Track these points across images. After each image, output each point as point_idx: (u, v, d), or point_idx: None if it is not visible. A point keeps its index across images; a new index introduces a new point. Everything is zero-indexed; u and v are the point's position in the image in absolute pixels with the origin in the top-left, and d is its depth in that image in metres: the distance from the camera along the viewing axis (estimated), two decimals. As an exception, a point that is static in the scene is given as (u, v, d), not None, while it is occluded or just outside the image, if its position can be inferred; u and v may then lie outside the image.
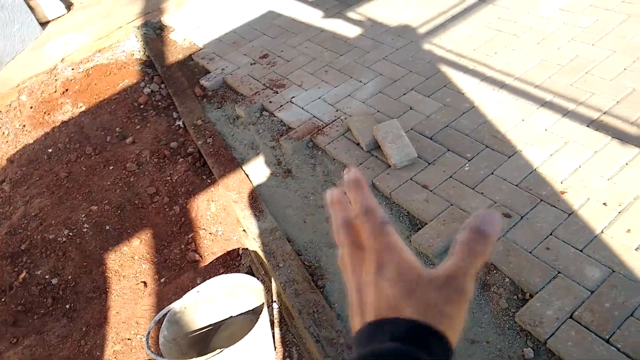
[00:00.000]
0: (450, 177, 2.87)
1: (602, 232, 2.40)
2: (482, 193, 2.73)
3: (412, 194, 2.82)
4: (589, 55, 3.48)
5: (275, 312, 2.66)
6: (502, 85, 3.42)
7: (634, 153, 2.72)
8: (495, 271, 2.39)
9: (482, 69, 3.61)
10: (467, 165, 2.91)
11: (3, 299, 3.04)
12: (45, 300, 3.01)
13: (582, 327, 2.08)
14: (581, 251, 2.34)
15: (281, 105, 3.69)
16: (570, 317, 2.13)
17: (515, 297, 2.30)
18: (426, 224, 2.67)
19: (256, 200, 3.09)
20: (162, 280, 2.99)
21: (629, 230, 2.36)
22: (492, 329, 2.22)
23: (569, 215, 2.51)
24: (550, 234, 2.45)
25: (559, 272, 2.28)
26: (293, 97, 3.76)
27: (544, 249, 2.39)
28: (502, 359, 2.12)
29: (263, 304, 2.28)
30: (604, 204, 2.51)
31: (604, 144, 2.82)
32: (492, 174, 2.82)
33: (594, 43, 3.58)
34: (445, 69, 3.70)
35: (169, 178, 3.52)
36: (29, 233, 3.35)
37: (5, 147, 4.27)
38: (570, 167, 2.73)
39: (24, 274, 3.13)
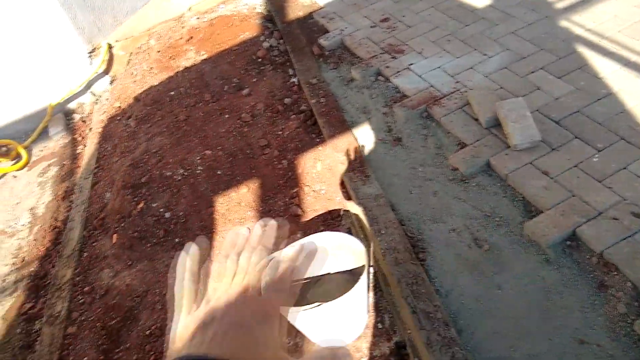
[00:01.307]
0: (576, 166, 2.66)
1: None
2: (610, 188, 2.51)
3: (531, 178, 2.66)
4: None
5: (371, 277, 2.67)
6: (648, 73, 3.08)
7: None
8: (615, 272, 2.21)
9: (626, 53, 3.27)
10: (596, 155, 2.68)
11: (123, 225, 3.32)
12: (158, 231, 3.24)
13: None
14: None
15: (398, 71, 3.60)
16: (701, 335, 1.93)
17: (637, 303, 2.12)
18: (542, 212, 2.51)
19: (363, 164, 3.08)
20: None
21: None
22: (605, 333, 2.07)
23: None
24: (688, 243, 2.21)
25: (693, 285, 2.06)
26: (411, 64, 3.65)
27: (677, 257, 2.17)
28: (613, 366, 1.98)
29: (363, 265, 2.28)
30: None
31: None
32: (625, 168, 2.58)
33: None
34: (582, 49, 3.40)
35: (280, 132, 3.60)
36: (149, 168, 3.60)
37: (134, 87, 4.59)
38: None
39: (142, 204, 3.38)
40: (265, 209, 3.21)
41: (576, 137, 2.81)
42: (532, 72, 3.31)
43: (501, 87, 3.25)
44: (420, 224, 2.72)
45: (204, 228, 3.21)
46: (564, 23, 3.68)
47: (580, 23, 3.62)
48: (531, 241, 2.45)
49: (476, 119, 3.05)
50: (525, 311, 2.22)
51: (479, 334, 2.20)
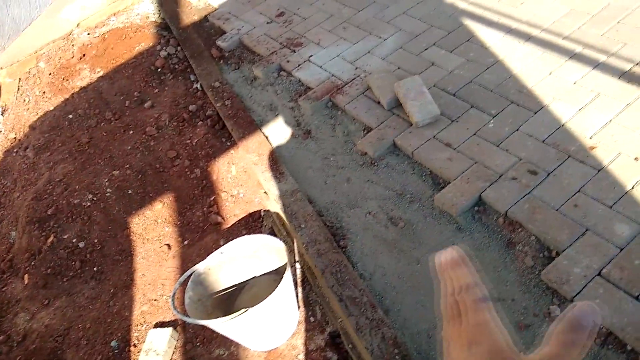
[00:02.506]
0: (475, 134, 2.79)
1: (632, 188, 2.32)
2: (507, 150, 2.65)
3: (435, 152, 2.76)
4: (621, 2, 3.30)
5: (298, 272, 2.68)
6: (528, 37, 3.28)
7: (669, 105, 2.61)
8: (520, 229, 2.35)
9: (507, 21, 3.46)
10: (491, 122, 2.82)
11: (33, 263, 3.12)
12: (73, 263, 3.07)
13: (611, 285, 2.04)
14: (610, 208, 2.28)
15: (299, 65, 3.61)
16: (599, 274, 2.08)
17: (542, 255, 2.26)
18: (449, 182, 2.62)
19: (276, 162, 3.07)
20: (186, 242, 3.02)
21: (661, 186, 2.28)
22: (517, 287, 2.20)
23: (599, 171, 2.43)
24: (579, 191, 2.38)
25: (587, 230, 2.23)
26: (311, 55, 3.67)
27: (572, 206, 2.33)
28: (528, 317, 2.10)
29: (286, 263, 2.28)
30: (635, 158, 2.42)
31: (636, 96, 2.70)
32: (518, 130, 2.73)
33: (627, -10, 3.39)
34: (468, 22, 3.56)
35: (188, 141, 3.51)
36: (54, 198, 3.40)
37: (27, 115, 4.31)
38: (600, 122, 2.63)
39: (51, 238, 3.19)
40: (183, 222, 3.13)
41: (472, 107, 2.94)
42: (426, 50, 3.43)
43: (398, 68, 3.34)
44: (338, 212, 2.75)
45: (122, 252, 3.08)
46: (449, -1, 3.83)
47: (463, -3, 3.79)
48: (442, 212, 2.55)
49: (378, 102, 3.12)
50: (445, 280, 2.31)
51: (405, 310, 2.27)
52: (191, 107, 3.74)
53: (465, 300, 0.53)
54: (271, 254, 2.53)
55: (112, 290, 2.90)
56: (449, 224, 2.50)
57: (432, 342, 2.15)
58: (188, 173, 3.33)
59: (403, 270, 2.40)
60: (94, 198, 3.33)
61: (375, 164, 2.88)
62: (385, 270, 2.42)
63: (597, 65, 2.95)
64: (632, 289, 2.00)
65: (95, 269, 3.05)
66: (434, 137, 2.84)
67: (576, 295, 2.05)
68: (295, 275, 2.66)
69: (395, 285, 2.36)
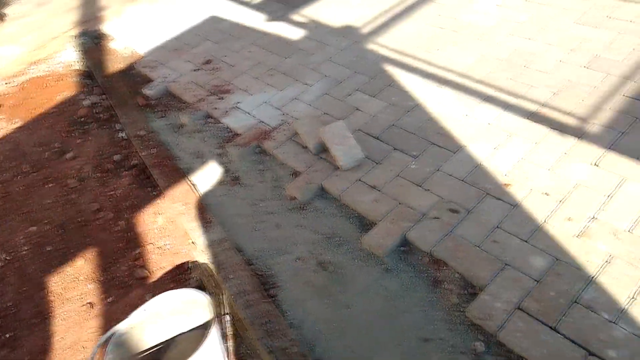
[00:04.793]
0: (398, 175, 2.87)
1: (545, 221, 2.45)
2: (429, 190, 2.74)
3: (361, 194, 2.81)
4: (527, 48, 3.57)
5: (228, 324, 2.59)
6: (444, 81, 3.46)
7: (572, 143, 2.80)
8: (445, 267, 2.41)
9: (425, 66, 3.64)
10: (413, 163, 2.92)
11: (-64, 332, 2.84)
12: (-18, 330, 2.82)
13: (530, 317, 2.11)
14: (526, 242, 2.38)
15: (226, 111, 3.62)
16: (518, 307, 2.15)
17: (466, 291, 2.31)
18: (376, 223, 2.66)
19: (203, 210, 3.01)
20: (110, 299, 2.87)
21: (569, 219, 2.42)
22: (444, 326, 2.23)
23: (514, 207, 2.55)
24: (497, 227, 2.48)
25: (506, 264, 2.31)
26: (238, 102, 3.69)
27: (491, 241, 2.42)
28: (455, 355, 2.13)
29: (212, 318, 2.20)
30: (545, 194, 2.57)
31: (543, 135, 2.89)
32: (438, 170, 2.84)
33: (530, 37, 3.68)
34: (389, 67, 3.72)
35: (112, 192, 3.39)
36: (-38, 260, 3.15)
37: None
38: (513, 160, 2.79)
39: (-42, 303, 2.93)
40: (107, 278, 2.98)
41: (395, 149, 3.04)
42: (350, 95, 3.54)
43: (324, 113, 3.42)
44: (267, 259, 2.71)
45: (39, 314, 2.87)
46: (370, 46, 4.00)
47: (384, 44, 3.97)
48: (370, 254, 2.57)
49: (305, 147, 3.16)
50: (374, 322, 2.31)
51: (335, 356, 2.24)
52: (116, 157, 3.63)
53: None
54: (198, 308, 2.44)
55: (27, 358, 2.68)
56: (377, 265, 2.53)
57: (364, 388, 2.12)
58: (112, 226, 3.20)
59: (333, 316, 2.38)
60: (8, 257, 3.11)
61: (304, 208, 2.89)
62: (316, 317, 2.39)
63: (508, 106, 3.14)
64: (549, 320, 2.08)
65: (8, 335, 2.82)
66: (359, 179, 2.89)
67: (499, 330, 2.10)
68: (226, 329, 2.58)
69: (326, 331, 2.33)
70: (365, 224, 2.73)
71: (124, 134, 3.83)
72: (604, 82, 3.14)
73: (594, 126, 2.87)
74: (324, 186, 2.92)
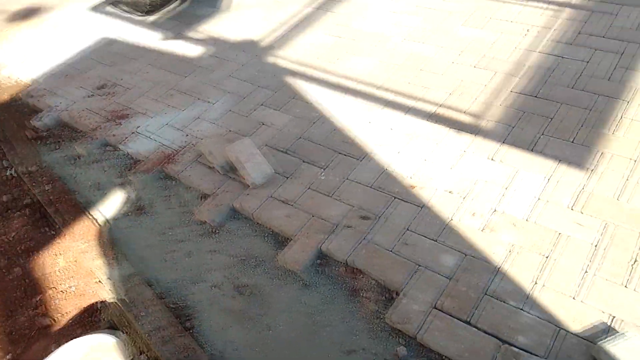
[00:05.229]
0: (309, 187, 2.85)
1: (451, 219, 2.53)
2: (339, 199, 2.75)
3: (274, 210, 2.76)
4: (421, 52, 3.71)
5: (145, 364, 2.44)
6: (347, 90, 3.50)
7: (469, 140, 2.93)
8: (361, 275, 2.41)
9: (327, 76, 3.68)
10: (322, 173, 2.92)
11: None
12: None
13: (445, 315, 2.16)
14: (435, 241, 2.45)
15: (125, 137, 3.43)
16: (434, 307, 2.20)
17: (384, 297, 2.34)
18: (291, 239, 2.62)
19: (108, 246, 2.82)
20: (9, 356, 2.60)
21: (473, 214, 2.52)
22: (366, 335, 2.23)
23: (421, 208, 2.62)
24: (407, 229, 2.53)
25: (418, 266, 2.36)
26: (138, 126, 3.51)
27: (402, 244, 2.46)
28: (379, 363, 2.13)
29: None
30: (449, 192, 2.66)
31: (443, 135, 3.01)
32: (347, 179, 2.86)
33: (423, 41, 3.83)
34: (292, 80, 3.71)
35: (4, 237, 3.09)
36: None
37: None
38: (416, 162, 2.87)
39: None
40: (5, 332, 2.70)
41: (303, 162, 3.02)
42: (254, 110, 3.49)
43: (229, 131, 3.34)
44: (181, 290, 2.59)
45: None
46: (271, 59, 3.98)
47: (284, 56, 3.96)
48: (287, 271, 2.53)
49: (212, 167, 3.06)
50: (297, 340, 2.26)
51: (261, 382, 2.17)
52: (4, 198, 3.32)
53: None
54: (109, 352, 2.27)
55: None
56: (295, 282, 2.49)
57: (292, 411, 2.07)
58: (5, 274, 2.91)
59: (255, 340, 2.30)
60: None
61: (216, 232, 2.79)
62: (237, 344, 2.31)
63: (408, 110, 3.24)
64: (463, 315, 2.14)
65: None
66: (271, 196, 2.84)
67: (418, 331, 2.13)
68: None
69: (249, 357, 2.25)
70: (280, 241, 2.68)
71: (12, 172, 3.51)
72: (492, 80, 3.33)
73: (488, 122, 3.02)
74: (235, 207, 2.84)
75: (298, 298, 2.42)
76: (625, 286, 2.10)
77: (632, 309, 2.02)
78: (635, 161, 2.61)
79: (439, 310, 2.19)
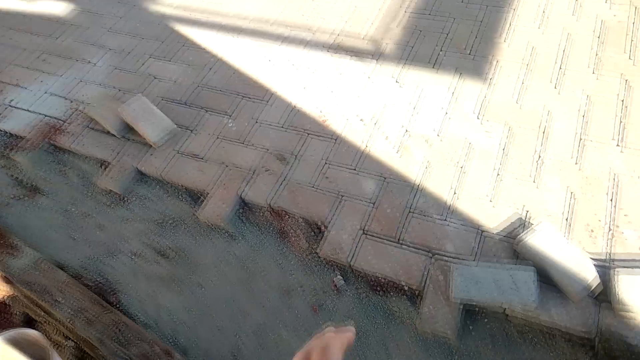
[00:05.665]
0: (217, 137, 2.71)
1: (366, 146, 2.53)
2: (252, 145, 2.64)
3: (184, 167, 2.60)
4: (310, -17, 3.57)
5: (73, 350, 2.26)
6: (240, 30, 3.31)
7: (372, 66, 2.91)
8: (287, 216, 2.37)
9: (217, 18, 3.44)
10: (229, 121, 2.78)
11: None
12: None
13: (374, 238, 2.19)
14: (355, 170, 2.44)
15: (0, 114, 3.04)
16: (363, 233, 2.22)
17: (313, 233, 2.31)
18: (207, 193, 2.50)
19: (5, 236, 2.53)
20: None
21: (387, 138, 2.54)
22: (301, 272, 2.21)
23: (335, 140, 2.58)
24: (325, 163, 2.50)
25: (342, 196, 2.35)
26: (11, 100, 3.12)
27: (323, 178, 2.43)
28: (319, 297, 2.13)
29: (48, 353, 1.88)
30: (361, 120, 2.64)
31: (346, 64, 2.95)
32: (257, 122, 2.74)
33: (310, -30, 3.68)
34: (179, 27, 3.44)
35: None
36: None
37: None
38: (323, 95, 2.80)
39: None
40: None
41: (207, 111, 2.86)
42: (143, 64, 3.21)
43: (119, 90, 3.06)
44: (99, 266, 2.40)
45: None
46: (153, 7, 3.65)
47: (166, 3, 3.65)
48: (210, 226, 2.42)
49: (108, 132, 2.81)
50: (234, 293, 2.20)
51: (203, 341, 2.10)
52: None
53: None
54: (28, 347, 2.07)
55: None
56: (220, 236, 2.39)
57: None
58: None
59: (189, 302, 2.21)
60: None
61: (126, 199, 2.60)
62: (170, 309, 2.20)
63: (307, 43, 3.13)
64: (392, 235, 2.18)
65: None
66: (177, 152, 2.67)
67: (352, 259, 2.14)
68: (73, 356, 2.25)
69: (185, 320, 2.16)
70: (197, 197, 2.55)
71: None
72: (385, 3, 3.29)
73: (387, 45, 3.01)
74: (140, 169, 2.64)
75: (226, 251, 2.34)
76: (534, 181, 2.23)
77: (542, 201, 2.16)
78: (527, 65, 2.73)
79: (368, 235, 2.21)
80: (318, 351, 0.58)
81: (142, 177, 2.66)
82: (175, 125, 2.72)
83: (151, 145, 2.70)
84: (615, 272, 1.82)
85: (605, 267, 1.90)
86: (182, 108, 2.89)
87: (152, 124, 2.68)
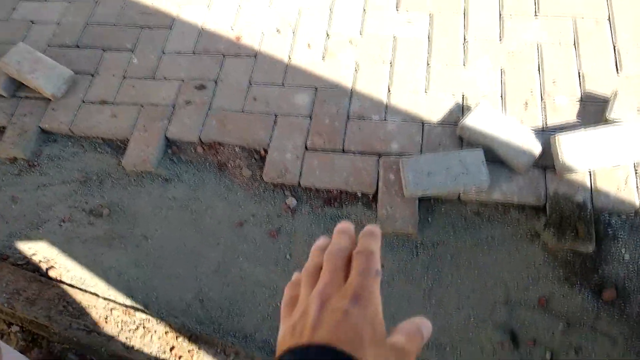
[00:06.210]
0: (124, 77, 2.44)
1: (289, 58, 2.38)
2: (165, 78, 2.40)
3: (94, 116, 2.33)
4: None
5: (20, 335, 2.07)
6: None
7: (276, -29, 2.68)
8: (221, 147, 2.21)
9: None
10: (133, 57, 2.49)
11: None
12: None
13: (319, 152, 2.11)
14: (283, 85, 2.30)
15: None
16: (306, 149, 2.13)
17: (254, 159, 2.19)
18: (128, 139, 2.27)
19: None
20: None
21: (309, 45, 2.39)
22: (251, 201, 2.11)
23: (255, 57, 2.40)
24: (250, 84, 2.33)
25: (276, 116, 2.22)
26: None
27: (252, 101, 2.28)
28: (274, 222, 2.06)
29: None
30: (277, 31, 2.46)
31: (247, -26, 2.70)
32: (165, 53, 2.48)
33: None
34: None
35: None
36: None
37: None
38: (231, 11, 2.57)
39: None
40: None
41: (105, 50, 2.54)
42: (14, 9, 2.77)
43: (-7, 43, 2.63)
44: (24, 240, 2.16)
45: None
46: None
47: None
48: (140, 174, 2.23)
49: (-7, 93, 2.44)
50: (183, 237, 2.07)
51: (162, 294, 1.98)
52: None
53: (365, 264, 0.49)
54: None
55: None
56: (153, 182, 2.21)
57: (206, 304, 1.94)
58: None
59: (136, 257, 2.06)
60: None
61: (35, 164, 2.31)
62: (118, 268, 2.04)
63: (199, -43, 2.82)
64: (336, 146, 2.11)
65: None
66: (83, 101, 2.38)
67: (300, 178, 2.06)
68: (23, 341, 2.06)
69: (138, 275, 2.02)
70: (118, 146, 2.31)
71: None
72: None
73: (288, -53, 2.77)
74: (44, 128, 2.34)
75: (163, 196, 2.17)
76: (464, 64, 2.21)
77: (475, 83, 2.16)
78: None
79: (310, 150, 2.12)
80: (362, 259, 0.50)
81: (48, 136, 2.36)
82: (73, 72, 2.40)
83: (50, 99, 2.38)
84: (555, 137, 1.88)
85: (545, 136, 1.96)
86: (75, 52, 2.54)
87: (44, 74, 2.34)
